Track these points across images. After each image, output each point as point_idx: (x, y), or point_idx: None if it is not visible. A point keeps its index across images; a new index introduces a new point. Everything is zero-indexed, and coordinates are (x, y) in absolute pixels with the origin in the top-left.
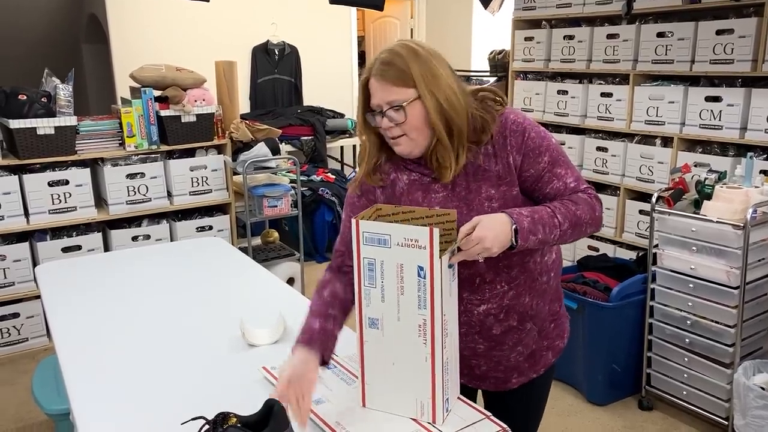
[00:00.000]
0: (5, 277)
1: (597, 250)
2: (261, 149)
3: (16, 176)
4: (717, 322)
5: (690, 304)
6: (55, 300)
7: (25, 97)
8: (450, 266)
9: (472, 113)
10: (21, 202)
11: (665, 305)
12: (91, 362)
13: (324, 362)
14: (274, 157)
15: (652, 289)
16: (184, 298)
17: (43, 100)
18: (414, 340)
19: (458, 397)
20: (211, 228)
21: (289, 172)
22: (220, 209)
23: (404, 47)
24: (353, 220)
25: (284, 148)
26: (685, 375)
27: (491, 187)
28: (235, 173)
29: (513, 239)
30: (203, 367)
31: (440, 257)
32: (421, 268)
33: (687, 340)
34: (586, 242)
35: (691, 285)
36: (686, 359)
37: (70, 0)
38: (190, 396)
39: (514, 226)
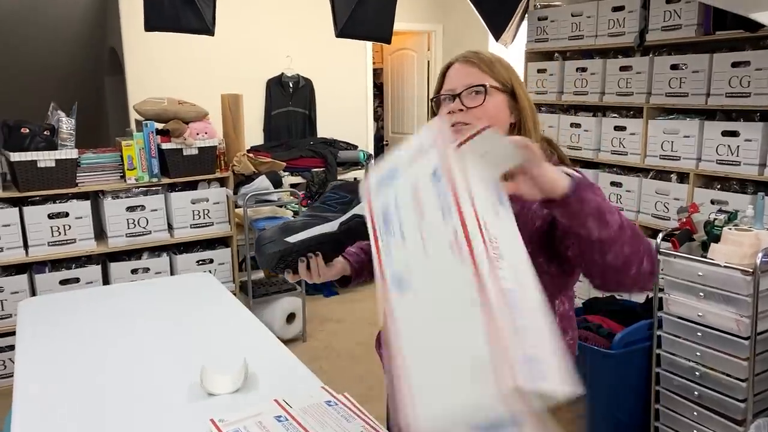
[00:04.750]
0: (2, 309)
1: None
2: (262, 182)
3: (17, 208)
4: (727, 375)
5: (698, 354)
6: (27, 337)
7: (27, 131)
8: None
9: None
10: (21, 234)
11: (673, 354)
12: (42, 404)
13: (349, 275)
14: (276, 190)
15: (659, 336)
16: (155, 338)
17: (45, 133)
18: (450, 265)
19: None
20: (212, 261)
21: (294, 204)
22: (221, 242)
23: (496, 54)
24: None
25: (294, 179)
26: (695, 431)
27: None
28: (238, 206)
29: (567, 186)
30: (156, 416)
31: (460, 146)
32: (436, 172)
33: (696, 392)
34: None
35: (699, 333)
36: (695, 413)
37: (93, 34)
38: None
39: (571, 177)
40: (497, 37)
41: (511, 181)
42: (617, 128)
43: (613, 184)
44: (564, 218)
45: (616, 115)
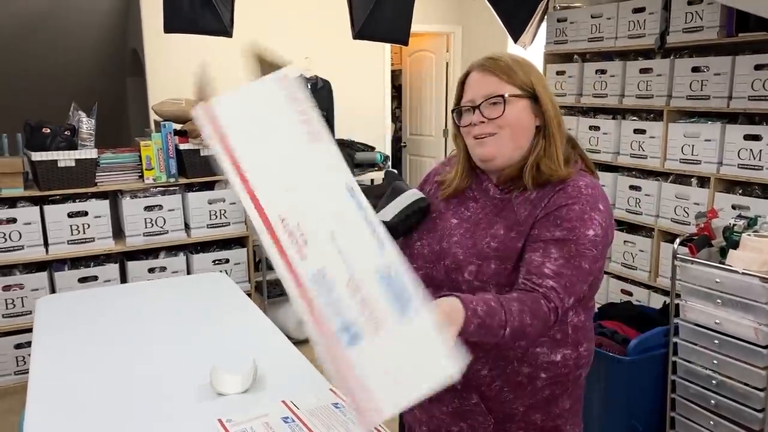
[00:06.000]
0: (23, 306)
1: (630, 294)
2: None
3: (38, 207)
4: (745, 384)
5: (715, 362)
6: (44, 334)
7: (48, 131)
8: None
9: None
10: (41, 232)
11: (689, 362)
12: (55, 401)
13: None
14: None
15: (675, 344)
16: (169, 336)
17: (66, 133)
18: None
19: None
20: (227, 261)
21: None
22: (237, 242)
23: (512, 54)
24: None
25: None
26: None
27: (502, 228)
28: None
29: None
30: (165, 415)
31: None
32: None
33: (713, 401)
34: (619, 286)
35: (716, 341)
36: (711, 422)
37: (114, 36)
38: None
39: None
40: (516, 38)
41: None
42: (637, 131)
43: (632, 187)
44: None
45: (635, 117)
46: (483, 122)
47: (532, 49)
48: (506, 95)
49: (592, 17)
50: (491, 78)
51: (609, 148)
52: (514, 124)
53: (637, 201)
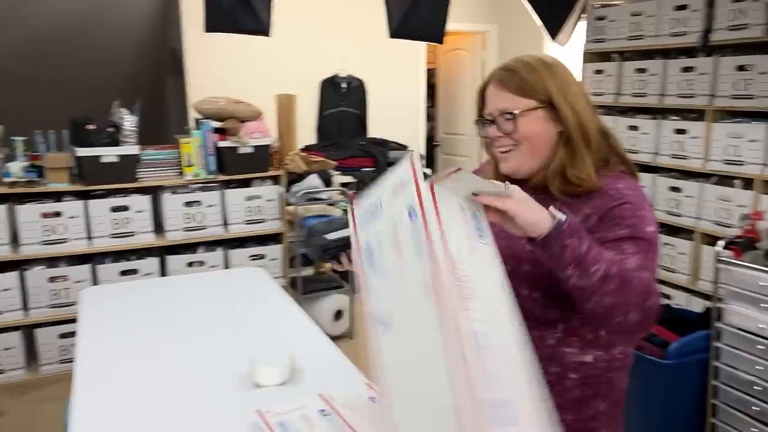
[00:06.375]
0: (68, 297)
1: (669, 297)
2: (312, 181)
3: (82, 201)
4: None
5: (759, 368)
6: (87, 324)
7: (93, 127)
8: (472, 212)
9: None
10: (85, 225)
11: (731, 367)
12: (100, 389)
13: None
14: (326, 189)
15: (717, 348)
16: (208, 329)
17: (109, 129)
18: (423, 306)
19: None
20: (263, 257)
21: (343, 203)
22: (273, 238)
23: (534, 57)
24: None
25: (345, 179)
26: None
27: None
28: (290, 204)
29: (548, 228)
30: (204, 405)
31: (434, 183)
32: (412, 209)
33: (755, 408)
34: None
35: (760, 346)
36: (754, 429)
37: (155, 36)
38: None
39: (556, 221)
40: (553, 37)
41: (493, 212)
42: (678, 131)
43: (672, 189)
44: (543, 259)
45: (676, 117)
46: (501, 136)
47: (570, 48)
48: (517, 112)
49: (632, 15)
50: (505, 93)
51: (648, 149)
52: (530, 137)
53: (677, 203)
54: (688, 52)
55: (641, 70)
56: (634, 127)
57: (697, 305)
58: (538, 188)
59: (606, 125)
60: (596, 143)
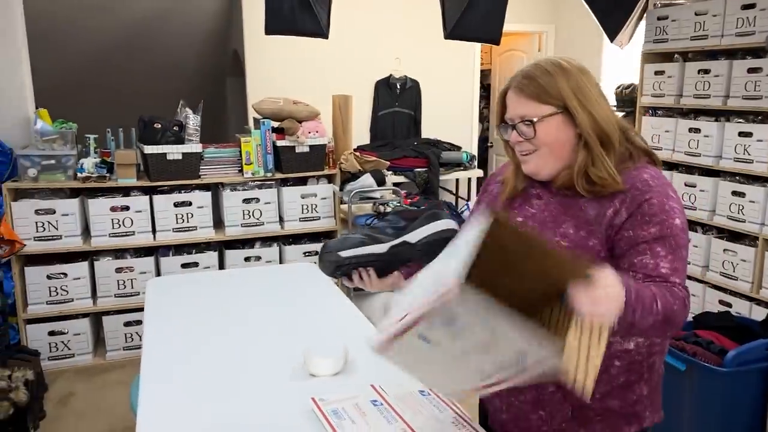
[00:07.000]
0: (132, 287)
1: (729, 305)
2: (366, 180)
3: (148, 196)
4: None
5: None
6: (153, 313)
7: (159, 126)
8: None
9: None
10: (150, 220)
11: None
12: (165, 375)
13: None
14: (379, 188)
15: None
16: (264, 320)
17: (174, 128)
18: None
19: None
20: (317, 253)
21: (396, 202)
22: (327, 236)
23: (550, 62)
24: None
25: (397, 179)
26: None
27: (571, 227)
28: (343, 202)
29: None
30: (261, 392)
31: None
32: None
33: None
34: (717, 296)
35: None
36: None
37: (218, 38)
38: (240, 421)
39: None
40: (612, 37)
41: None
42: (742, 134)
43: (734, 193)
44: None
45: (741, 120)
46: (521, 141)
47: (629, 48)
48: (535, 119)
49: (696, 14)
50: (523, 100)
51: (710, 152)
52: (549, 142)
53: (740, 208)
54: (755, 52)
55: (705, 71)
56: (696, 130)
57: (760, 314)
58: (564, 188)
59: (625, 122)
60: (617, 143)
